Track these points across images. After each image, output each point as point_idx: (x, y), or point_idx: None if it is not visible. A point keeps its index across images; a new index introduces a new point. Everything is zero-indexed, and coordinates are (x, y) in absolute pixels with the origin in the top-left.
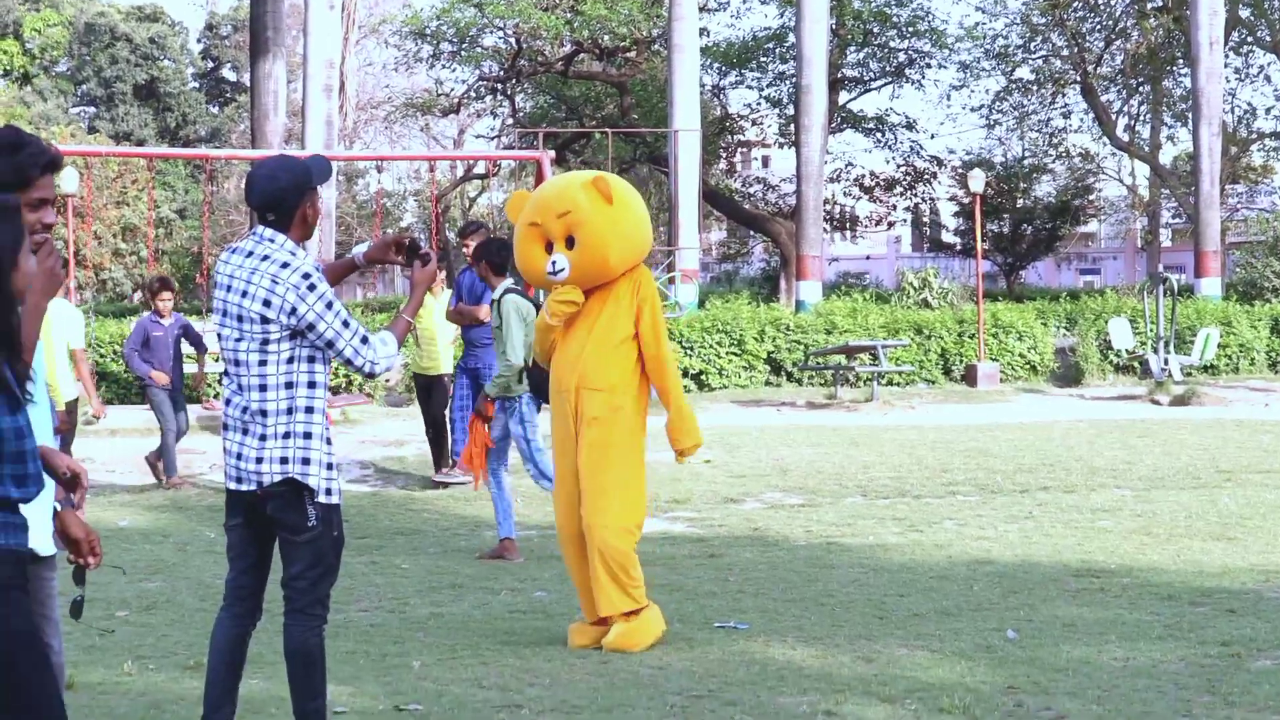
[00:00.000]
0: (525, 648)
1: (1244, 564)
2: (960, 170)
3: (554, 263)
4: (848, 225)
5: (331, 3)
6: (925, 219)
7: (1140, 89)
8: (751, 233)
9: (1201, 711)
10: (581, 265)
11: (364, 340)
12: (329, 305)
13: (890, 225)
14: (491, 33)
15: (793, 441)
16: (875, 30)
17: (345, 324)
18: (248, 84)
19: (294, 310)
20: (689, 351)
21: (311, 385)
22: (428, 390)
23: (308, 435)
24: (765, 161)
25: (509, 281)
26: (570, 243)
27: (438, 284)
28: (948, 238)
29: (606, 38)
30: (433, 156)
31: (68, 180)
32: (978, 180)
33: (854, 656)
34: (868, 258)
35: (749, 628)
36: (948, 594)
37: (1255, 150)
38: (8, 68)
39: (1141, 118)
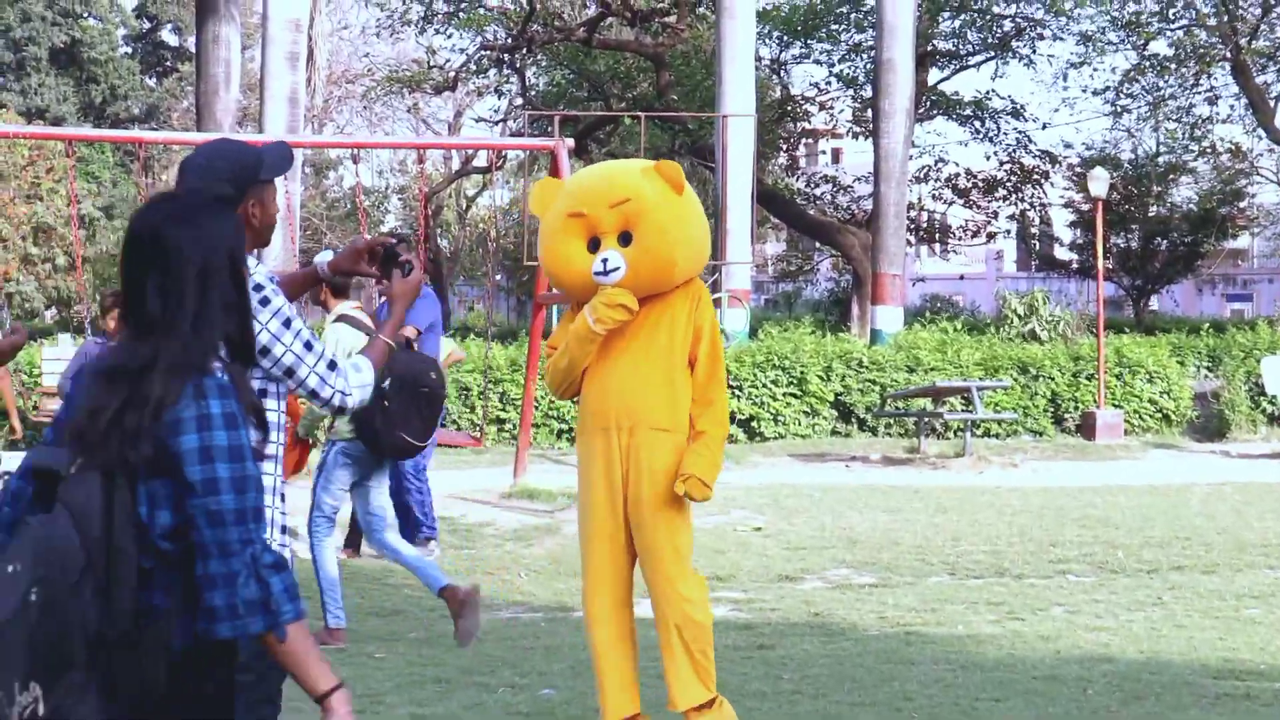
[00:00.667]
0: None
1: None
2: (1079, 169)
3: (605, 260)
4: (937, 236)
5: None
6: (1034, 230)
7: None
8: (817, 245)
9: None
10: (641, 266)
11: (331, 366)
12: (286, 324)
13: (990, 237)
14: None
15: (864, 505)
16: None
17: (308, 346)
18: (192, 50)
19: None
20: (737, 392)
21: None
22: None
23: None
24: (836, 156)
25: (347, 305)
26: (626, 239)
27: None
28: (1061, 253)
29: None
30: (422, 144)
31: None
32: (1100, 182)
33: None
34: (961, 277)
35: None
36: (1055, 699)
37: None
38: None
39: None
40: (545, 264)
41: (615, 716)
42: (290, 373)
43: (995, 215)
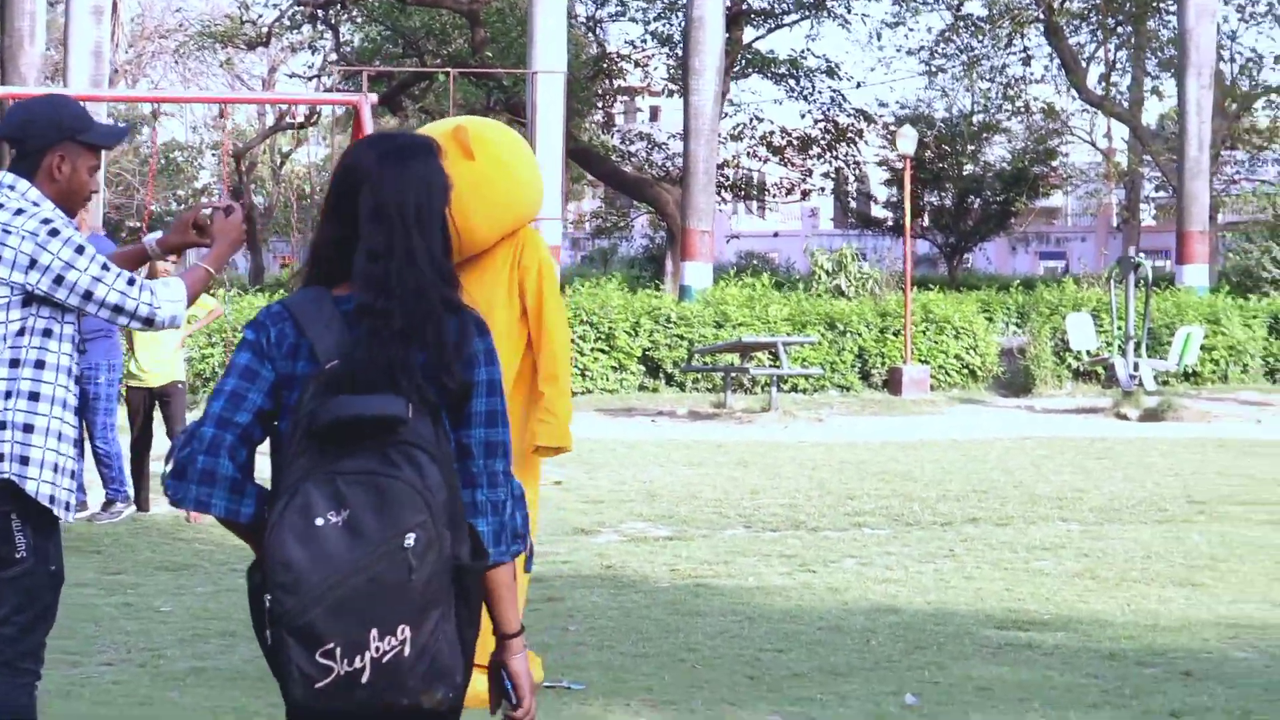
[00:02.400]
0: None
1: (1209, 616)
2: (893, 128)
3: None
4: (754, 194)
5: None
6: (849, 188)
7: (1119, 30)
8: (634, 202)
9: None
10: None
11: (131, 282)
12: (79, 250)
13: (805, 195)
14: None
15: (667, 460)
16: None
17: (105, 268)
18: None
19: (33, 263)
20: None
21: (39, 365)
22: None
23: (28, 429)
24: (655, 114)
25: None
26: None
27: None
28: (878, 211)
29: None
30: (224, 99)
31: None
32: (908, 140)
33: None
34: (775, 234)
35: (585, 688)
36: (839, 649)
37: (1260, 108)
38: None
39: (1120, 66)
40: None
41: None
42: (88, 295)
43: (810, 173)
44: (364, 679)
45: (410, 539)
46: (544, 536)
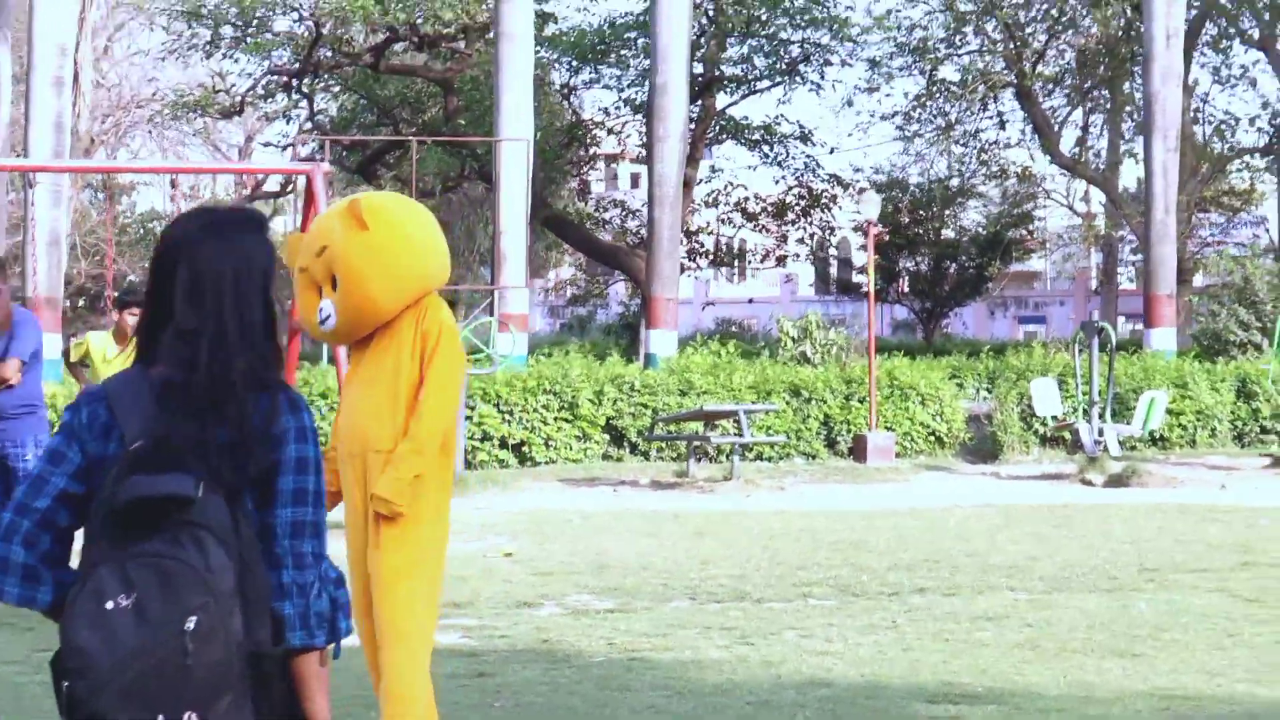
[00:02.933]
0: None
1: (1145, 687)
2: (865, 192)
3: (320, 310)
4: (729, 260)
5: None
6: (826, 254)
7: (1092, 94)
8: (610, 269)
9: None
10: (346, 308)
11: None
12: None
13: (781, 261)
14: (284, 14)
15: (623, 530)
16: (762, 17)
17: None
18: None
19: None
20: (508, 417)
21: None
22: None
23: None
24: (635, 181)
25: None
26: (335, 283)
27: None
28: (857, 277)
29: (427, 23)
30: (173, 169)
31: None
32: (871, 205)
33: None
34: (750, 301)
35: None
36: None
37: (1234, 170)
38: None
39: (1097, 130)
40: (298, 315)
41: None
42: None
43: (785, 239)
44: None
45: (191, 622)
46: (484, 610)
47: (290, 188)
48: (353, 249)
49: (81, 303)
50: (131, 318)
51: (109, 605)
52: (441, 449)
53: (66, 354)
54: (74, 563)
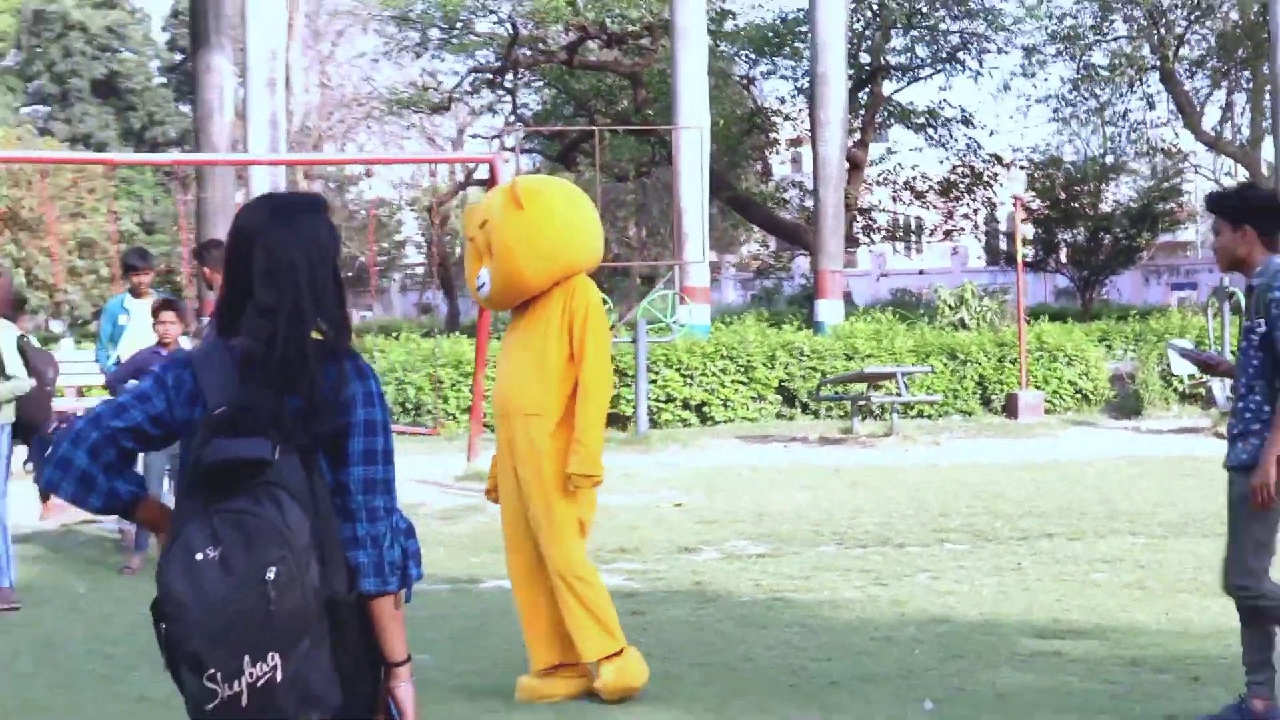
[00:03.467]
0: None
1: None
2: (1027, 171)
3: (479, 277)
4: (901, 235)
5: None
6: (987, 228)
7: (1232, 75)
8: (794, 245)
9: None
10: (497, 279)
11: None
12: None
13: (948, 235)
14: (485, 16)
15: (785, 483)
16: (923, 10)
17: None
18: None
19: None
20: (689, 381)
21: None
22: None
23: None
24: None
25: None
26: (493, 254)
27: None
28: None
29: (615, 22)
30: (367, 160)
31: None
32: (1016, 182)
33: None
34: (921, 273)
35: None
36: (881, 658)
37: None
38: None
39: (1240, 108)
40: (466, 280)
41: (536, 665)
42: None
43: (951, 215)
44: (243, 702)
45: (271, 573)
46: (648, 555)
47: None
48: (507, 225)
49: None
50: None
51: (199, 557)
52: None
53: None
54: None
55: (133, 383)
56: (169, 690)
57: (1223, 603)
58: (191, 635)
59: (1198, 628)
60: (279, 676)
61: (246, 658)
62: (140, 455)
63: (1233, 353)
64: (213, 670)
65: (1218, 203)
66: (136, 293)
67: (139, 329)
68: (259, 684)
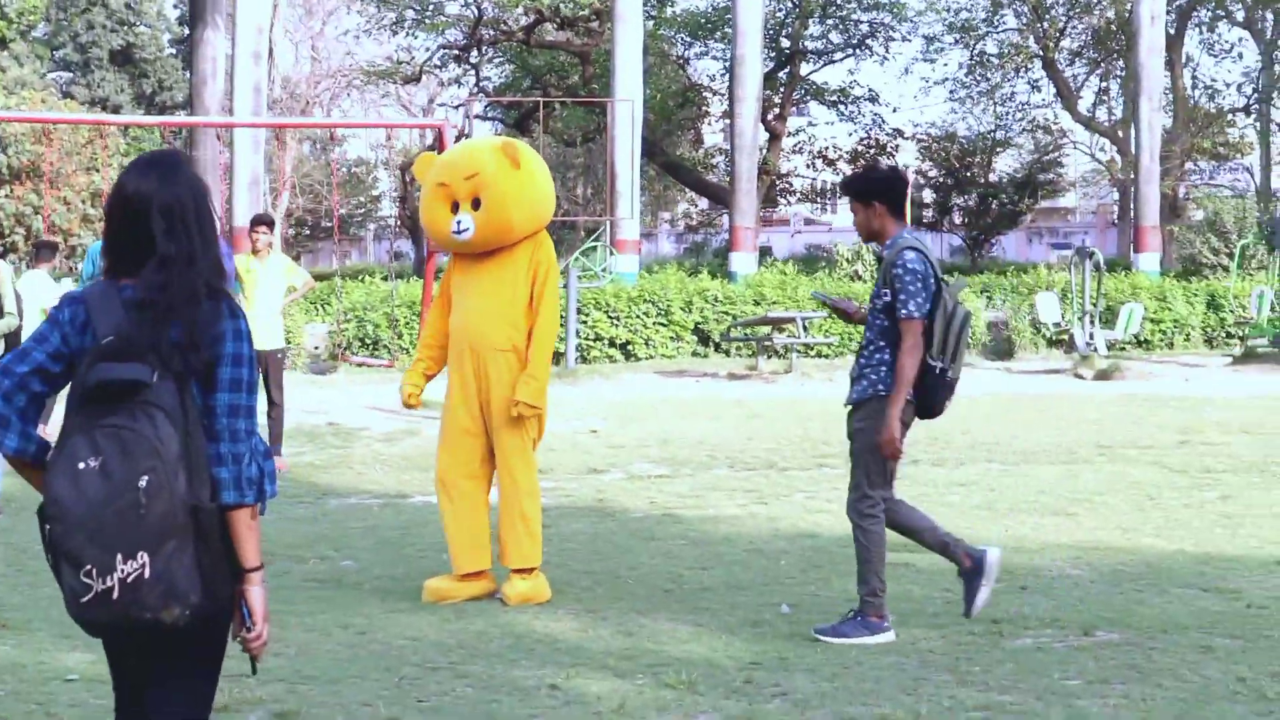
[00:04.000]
0: (295, 617)
1: (1066, 540)
2: (925, 143)
3: (459, 222)
4: (815, 198)
5: None
6: None
7: (1103, 64)
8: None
9: (929, 690)
10: (486, 226)
11: None
12: None
13: None
14: (453, 1)
15: (692, 413)
16: (836, 1)
17: None
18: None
19: None
20: (615, 321)
21: None
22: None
23: None
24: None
25: None
26: (476, 204)
27: (264, 248)
28: (916, 213)
29: (567, 7)
30: (332, 124)
31: None
32: (906, 153)
33: (616, 630)
34: (829, 229)
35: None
36: (751, 567)
37: (1228, 126)
38: None
39: (1112, 94)
40: (422, 222)
41: (460, 569)
42: None
43: None
44: (114, 596)
45: (143, 481)
46: (561, 475)
47: (465, 136)
48: (505, 183)
49: (293, 232)
50: (259, 236)
51: (80, 466)
52: None
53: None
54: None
55: None
56: None
57: (1057, 521)
58: (72, 534)
59: (1031, 543)
60: (147, 574)
61: (119, 555)
62: None
63: (1093, 303)
64: (89, 566)
65: (847, 185)
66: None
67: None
68: (129, 579)
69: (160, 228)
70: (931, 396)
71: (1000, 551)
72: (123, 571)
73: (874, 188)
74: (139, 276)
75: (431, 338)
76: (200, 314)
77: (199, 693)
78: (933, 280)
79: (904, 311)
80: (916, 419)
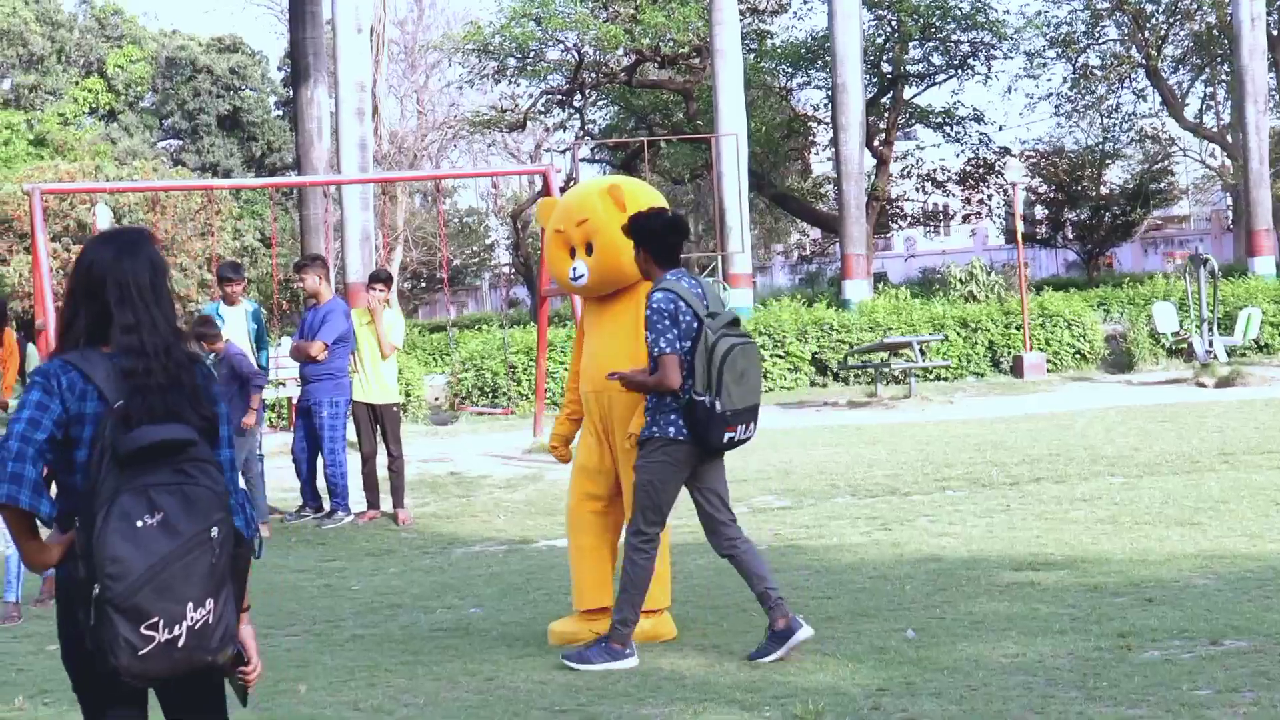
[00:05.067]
0: (423, 666)
1: (1192, 550)
2: (1034, 160)
3: (574, 269)
4: (925, 221)
5: (359, 25)
6: (999, 210)
7: (1207, 69)
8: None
9: (1058, 708)
10: (597, 271)
11: None
12: None
13: (965, 219)
14: (553, 46)
15: (813, 443)
16: (936, 24)
17: None
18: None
19: None
20: None
21: None
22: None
23: None
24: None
25: None
26: (589, 249)
27: (378, 303)
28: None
29: (667, 45)
30: (437, 175)
31: (101, 216)
32: (1014, 170)
33: (741, 664)
34: (943, 252)
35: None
36: (876, 594)
37: None
38: (93, 105)
39: (1218, 99)
40: (546, 267)
41: (581, 606)
42: None
43: (968, 201)
44: (180, 644)
45: (215, 531)
46: (682, 512)
47: (573, 182)
48: (613, 226)
49: (409, 285)
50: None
51: (139, 524)
52: None
53: None
54: None
55: None
56: None
57: (1182, 531)
58: (136, 590)
59: (1156, 555)
60: (212, 619)
61: (190, 604)
62: None
63: (1210, 310)
64: (155, 619)
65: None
66: (229, 300)
67: (231, 332)
68: (197, 625)
69: (115, 296)
70: (701, 430)
71: (813, 633)
72: (192, 619)
73: (638, 234)
74: (111, 343)
75: (572, 380)
76: (194, 376)
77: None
78: (689, 317)
79: (655, 350)
80: (700, 451)
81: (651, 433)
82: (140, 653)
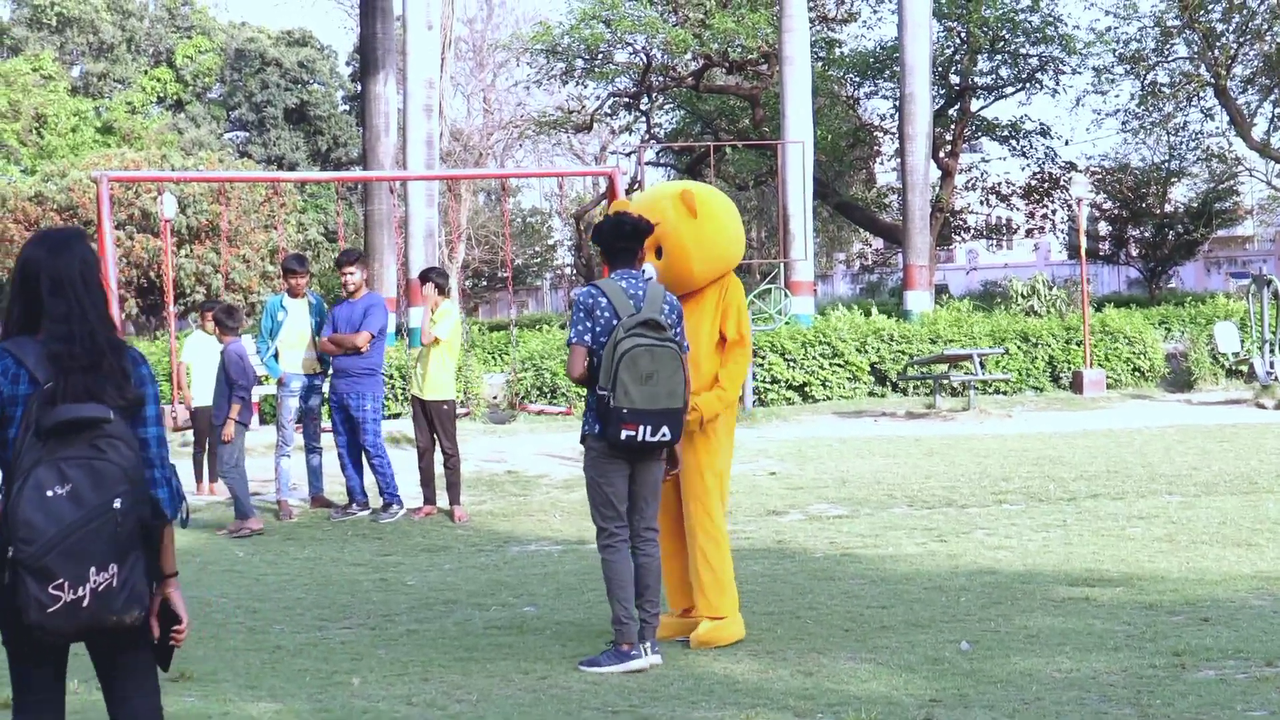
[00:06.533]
0: (477, 663)
1: (1249, 571)
2: (1098, 176)
3: (644, 271)
4: (989, 234)
5: (430, 22)
6: (1063, 225)
7: (1276, 90)
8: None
9: None
10: (666, 274)
11: None
12: None
13: (1029, 234)
14: (622, 49)
15: (870, 452)
16: (1005, 36)
17: None
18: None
19: None
20: (791, 364)
21: None
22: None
23: None
24: None
25: None
26: (659, 253)
27: (434, 302)
28: (1093, 245)
29: (735, 51)
30: (502, 175)
31: (167, 206)
32: (1079, 185)
33: (796, 670)
34: (1005, 266)
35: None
36: (931, 605)
37: None
38: (161, 95)
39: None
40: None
41: (674, 608)
42: None
43: (1032, 215)
44: (84, 604)
45: (118, 502)
46: (740, 517)
47: (638, 185)
48: (683, 231)
49: (470, 283)
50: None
51: (49, 493)
52: None
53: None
54: None
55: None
56: (302, 641)
57: (1239, 552)
58: (44, 553)
59: (1212, 575)
60: (115, 582)
61: (92, 568)
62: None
63: (1272, 331)
64: (60, 579)
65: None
66: (294, 293)
67: (294, 324)
68: (100, 588)
69: (47, 289)
70: (602, 424)
71: (658, 662)
72: (95, 581)
73: (594, 237)
74: (43, 330)
75: None
76: (120, 360)
77: (154, 679)
78: (608, 314)
79: (569, 339)
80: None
81: (583, 430)
82: (49, 610)
